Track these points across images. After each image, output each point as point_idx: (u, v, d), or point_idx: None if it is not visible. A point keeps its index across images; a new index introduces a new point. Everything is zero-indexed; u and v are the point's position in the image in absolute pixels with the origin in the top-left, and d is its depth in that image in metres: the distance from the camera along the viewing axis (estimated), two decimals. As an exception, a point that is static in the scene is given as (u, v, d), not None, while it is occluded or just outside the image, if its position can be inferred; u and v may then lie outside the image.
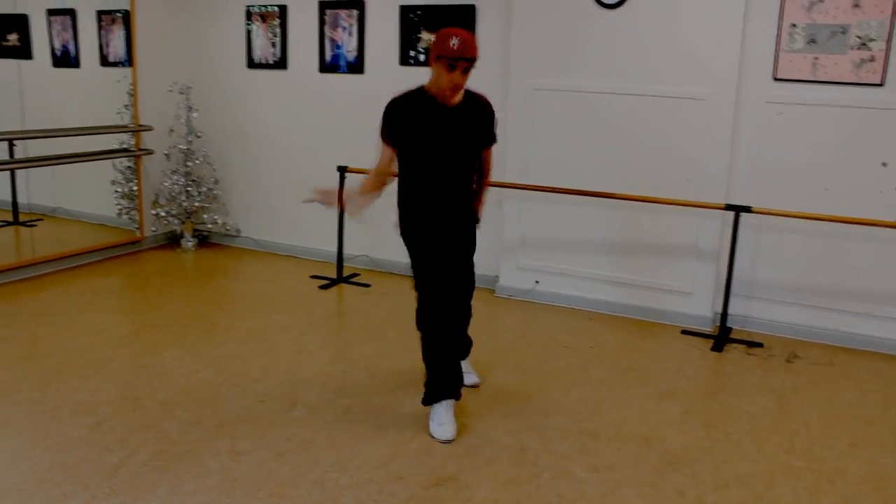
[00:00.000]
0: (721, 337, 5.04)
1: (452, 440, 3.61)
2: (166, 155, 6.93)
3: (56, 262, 6.31)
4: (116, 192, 6.97)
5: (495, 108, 3.77)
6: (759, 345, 4.99)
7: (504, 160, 5.68)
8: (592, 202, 5.41)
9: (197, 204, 6.95)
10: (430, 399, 3.72)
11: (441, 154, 3.56)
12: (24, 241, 6.93)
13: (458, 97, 3.55)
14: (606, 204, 5.39)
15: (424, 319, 3.66)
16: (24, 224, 7.06)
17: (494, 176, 5.67)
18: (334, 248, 6.19)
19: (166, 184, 6.92)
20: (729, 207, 4.98)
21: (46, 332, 4.88)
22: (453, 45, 3.38)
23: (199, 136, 6.92)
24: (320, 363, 4.49)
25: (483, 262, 6.00)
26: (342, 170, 5.89)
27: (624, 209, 5.37)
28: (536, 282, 5.74)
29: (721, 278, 5.19)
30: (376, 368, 4.42)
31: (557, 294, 5.70)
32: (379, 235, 6.41)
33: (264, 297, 5.76)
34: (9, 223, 7.10)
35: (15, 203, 7.09)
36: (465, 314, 3.90)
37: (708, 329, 5.25)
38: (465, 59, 3.40)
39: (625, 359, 4.71)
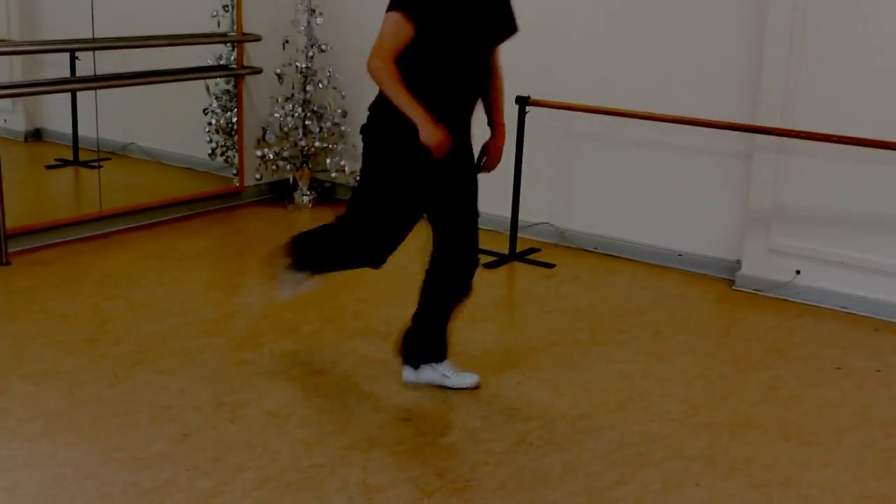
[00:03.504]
0: None
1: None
2: (278, 75, 7.14)
3: (128, 216, 6.61)
4: (209, 124, 7.24)
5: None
6: None
7: (758, 94, 5.57)
8: (886, 158, 5.22)
9: (317, 144, 7.14)
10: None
11: (473, 44, 3.98)
12: (87, 189, 7.21)
13: None
14: (909, 162, 5.20)
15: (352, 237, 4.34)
16: (85, 164, 7.33)
17: (742, 117, 5.65)
18: (507, 214, 6.22)
19: (277, 115, 7.13)
20: None
21: (116, 310, 5.15)
22: None
23: (322, 51, 7.09)
24: (484, 369, 4.53)
25: (718, 240, 5.99)
26: (523, 101, 5.99)
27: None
28: (797, 271, 5.61)
29: None
30: (559, 382, 4.44)
31: (827, 291, 5.55)
32: (569, 198, 6.43)
33: (406, 275, 5.81)
34: (67, 162, 7.40)
35: (76, 136, 7.40)
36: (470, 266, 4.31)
37: None
38: None
39: (928, 392, 4.55)
